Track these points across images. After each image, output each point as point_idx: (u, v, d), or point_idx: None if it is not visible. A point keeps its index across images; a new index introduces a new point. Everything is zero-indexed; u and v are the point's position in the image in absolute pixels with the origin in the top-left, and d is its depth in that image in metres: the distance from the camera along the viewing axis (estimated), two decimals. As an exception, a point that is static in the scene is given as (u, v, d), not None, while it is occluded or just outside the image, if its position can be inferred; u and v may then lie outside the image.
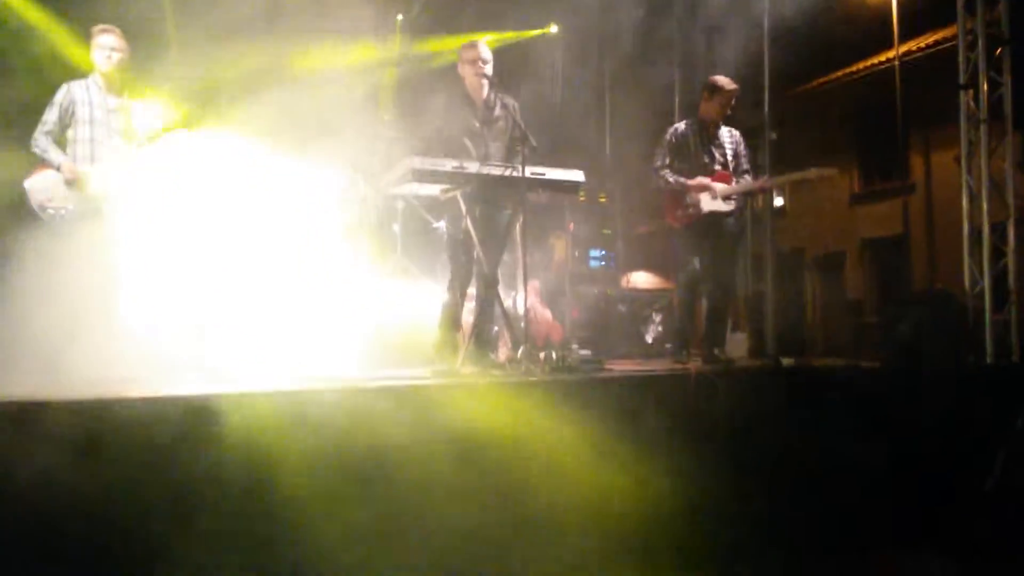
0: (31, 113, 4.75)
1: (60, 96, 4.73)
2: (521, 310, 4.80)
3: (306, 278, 4.91)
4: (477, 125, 4.80)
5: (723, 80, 5.59)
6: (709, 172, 5.51)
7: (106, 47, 4.79)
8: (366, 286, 5.36)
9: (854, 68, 13.41)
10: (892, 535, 4.09)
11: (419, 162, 4.40)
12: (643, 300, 8.15)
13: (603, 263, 8.85)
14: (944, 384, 4.79)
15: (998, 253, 6.58)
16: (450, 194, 4.57)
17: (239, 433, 2.81)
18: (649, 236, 10.76)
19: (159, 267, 4.54)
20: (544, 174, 4.59)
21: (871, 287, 13.31)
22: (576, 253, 8.48)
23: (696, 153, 5.55)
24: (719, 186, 5.45)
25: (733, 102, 5.59)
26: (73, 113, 4.73)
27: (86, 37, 4.87)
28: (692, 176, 5.49)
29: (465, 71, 4.84)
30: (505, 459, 3.32)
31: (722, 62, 7.98)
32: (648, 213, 9.28)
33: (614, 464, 3.49)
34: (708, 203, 5.44)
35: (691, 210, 5.47)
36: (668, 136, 5.63)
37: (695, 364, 5.36)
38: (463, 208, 4.52)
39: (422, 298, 5.58)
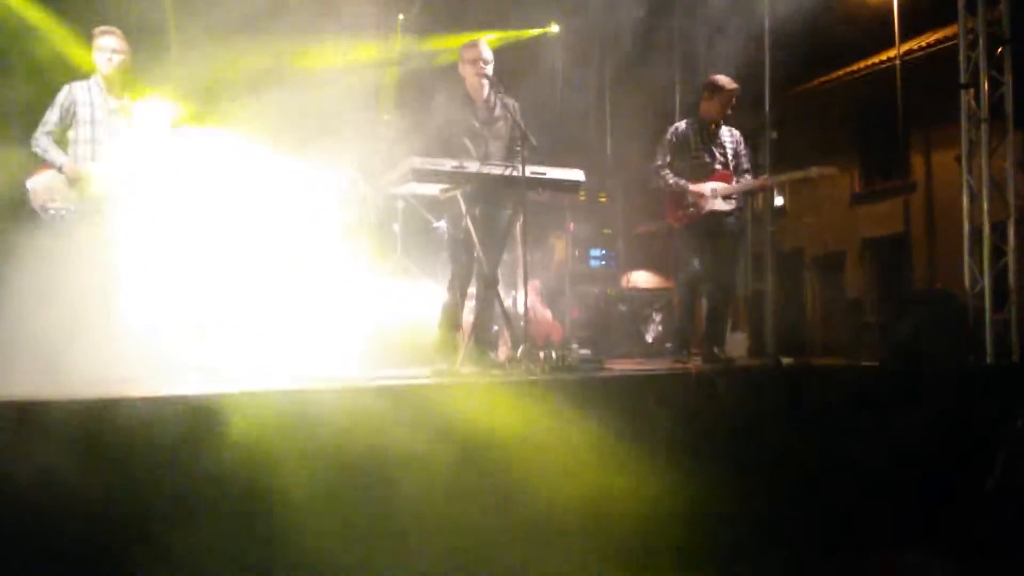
0: (32, 113, 4.76)
1: (62, 97, 4.74)
2: (521, 310, 4.80)
3: (306, 278, 4.91)
4: (477, 125, 4.81)
5: (724, 79, 5.59)
6: (709, 171, 5.52)
7: (107, 49, 4.80)
8: (366, 286, 5.35)
9: (855, 67, 13.39)
10: (892, 535, 4.09)
11: (419, 162, 4.40)
12: (643, 300, 8.16)
13: (603, 263, 8.86)
14: (944, 384, 4.79)
15: (998, 253, 6.58)
16: (450, 194, 4.57)
17: (239, 433, 2.81)
18: (649, 236, 10.76)
19: (159, 267, 4.54)
20: (544, 173, 4.60)
21: (871, 287, 13.29)
22: (576, 253, 8.49)
23: (696, 152, 5.56)
24: (720, 185, 5.45)
25: (734, 101, 5.59)
26: (74, 114, 4.74)
27: (87, 38, 4.88)
28: (692, 175, 5.50)
29: (466, 71, 4.84)
30: (505, 459, 3.32)
31: (722, 62, 7.97)
32: (648, 213, 9.28)
33: (614, 463, 3.49)
34: (708, 203, 5.44)
35: (691, 210, 5.47)
36: (668, 135, 5.64)
37: (695, 364, 5.37)
38: (463, 208, 4.53)
39: (422, 298, 5.58)
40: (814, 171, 5.26)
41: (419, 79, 7.86)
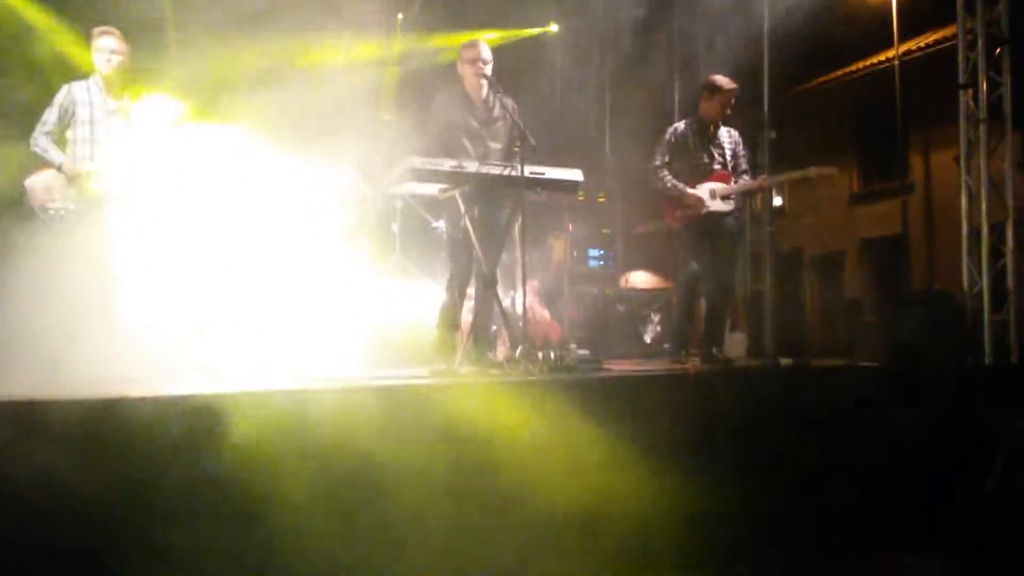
0: (31, 113, 4.76)
1: (61, 97, 4.74)
2: (520, 310, 4.79)
3: (306, 278, 4.91)
4: (476, 125, 4.80)
5: (723, 80, 5.59)
6: (708, 172, 5.52)
7: (106, 50, 4.79)
8: (366, 286, 5.35)
9: (854, 68, 13.42)
10: (892, 535, 4.10)
11: (418, 162, 4.40)
12: (642, 300, 8.16)
13: (602, 263, 8.85)
14: (943, 384, 4.79)
15: (997, 253, 6.59)
16: (449, 194, 4.57)
17: (239, 433, 2.81)
18: (648, 236, 10.75)
19: (159, 266, 4.54)
20: (543, 173, 4.59)
21: (870, 287, 13.31)
22: (575, 253, 8.48)
23: (695, 152, 5.56)
24: (718, 186, 5.45)
25: (733, 102, 5.59)
26: (73, 114, 4.74)
27: (87, 38, 4.87)
28: (691, 175, 5.50)
29: (465, 71, 4.84)
30: (504, 459, 3.32)
31: (721, 62, 7.97)
32: (647, 213, 9.27)
33: (613, 464, 3.50)
34: (707, 203, 5.44)
35: (690, 210, 5.47)
36: (667, 135, 5.64)
37: (694, 364, 5.36)
38: (462, 208, 4.52)
39: (421, 298, 5.58)
40: (813, 171, 5.26)
41: (419, 78, 7.86)
